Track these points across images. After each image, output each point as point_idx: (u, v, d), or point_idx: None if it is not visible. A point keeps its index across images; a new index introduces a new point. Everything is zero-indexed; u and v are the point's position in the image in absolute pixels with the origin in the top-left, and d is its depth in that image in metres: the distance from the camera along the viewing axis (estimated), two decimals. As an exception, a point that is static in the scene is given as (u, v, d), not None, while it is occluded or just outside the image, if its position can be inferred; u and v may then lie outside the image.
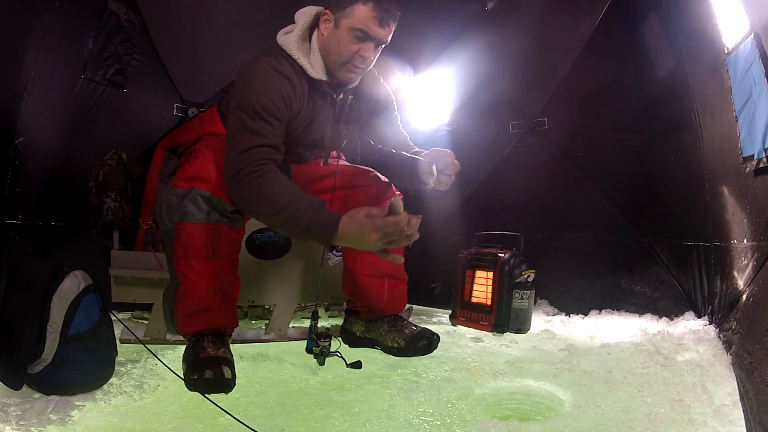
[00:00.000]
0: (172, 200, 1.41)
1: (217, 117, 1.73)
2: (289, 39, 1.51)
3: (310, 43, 1.52)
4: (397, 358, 1.81)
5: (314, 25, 1.54)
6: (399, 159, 1.71)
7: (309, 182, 1.79)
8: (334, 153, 1.93)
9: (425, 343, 1.79)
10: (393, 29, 1.50)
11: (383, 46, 1.53)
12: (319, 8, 1.54)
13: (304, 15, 1.54)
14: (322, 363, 1.58)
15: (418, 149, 1.74)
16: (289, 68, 1.48)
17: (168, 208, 1.42)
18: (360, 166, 1.86)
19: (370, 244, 1.26)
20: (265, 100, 1.41)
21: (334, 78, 1.54)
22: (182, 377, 1.36)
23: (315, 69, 1.51)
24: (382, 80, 1.74)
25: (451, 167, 1.52)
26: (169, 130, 2.68)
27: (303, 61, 1.50)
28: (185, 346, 1.45)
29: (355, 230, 1.26)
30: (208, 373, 1.31)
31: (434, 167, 1.52)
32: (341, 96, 1.61)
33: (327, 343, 1.57)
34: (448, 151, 1.54)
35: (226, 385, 1.32)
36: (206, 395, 1.30)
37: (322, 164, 1.79)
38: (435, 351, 1.83)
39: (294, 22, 1.55)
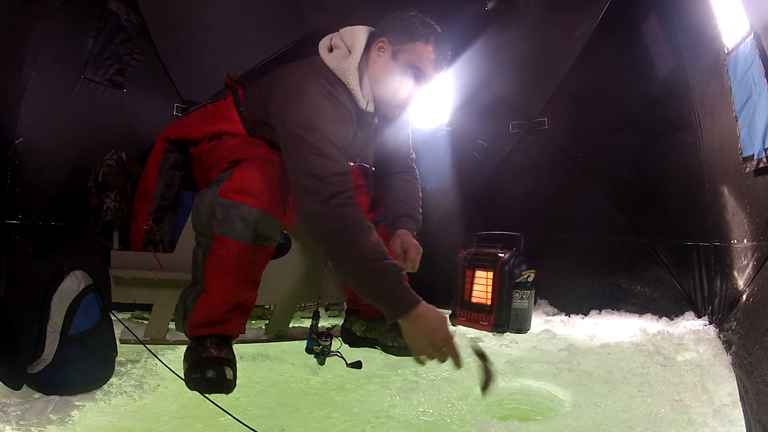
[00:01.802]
0: (218, 210, 1.33)
1: (235, 115, 1.63)
2: (345, 65, 1.43)
3: (360, 72, 1.46)
4: (397, 358, 1.81)
5: (365, 49, 1.48)
6: (391, 208, 1.75)
7: None
8: None
9: (426, 342, 1.79)
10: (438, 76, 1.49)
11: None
12: (370, 29, 1.49)
13: (359, 39, 1.46)
14: (322, 363, 1.58)
15: (415, 178, 1.80)
16: (345, 97, 1.43)
17: (210, 216, 1.34)
18: (365, 165, 1.86)
19: (429, 341, 1.21)
20: (334, 129, 1.34)
21: (380, 110, 1.51)
22: (181, 377, 1.36)
23: (367, 101, 1.47)
24: None
25: (414, 263, 1.61)
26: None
27: (357, 93, 1.45)
28: (187, 345, 1.45)
29: (433, 322, 1.22)
30: (210, 373, 1.30)
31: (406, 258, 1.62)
32: (377, 121, 1.59)
33: (327, 343, 1.56)
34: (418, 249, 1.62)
35: (227, 385, 1.31)
36: (206, 395, 1.30)
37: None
38: (435, 351, 1.83)
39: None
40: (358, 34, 1.47)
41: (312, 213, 1.27)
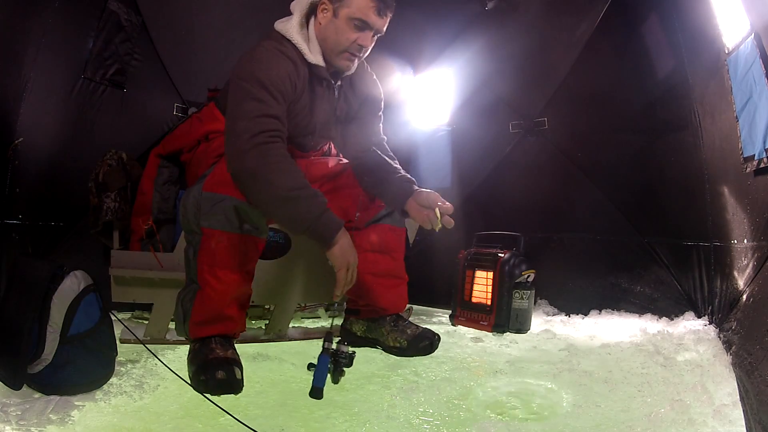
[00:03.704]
0: (203, 204, 1.36)
1: (218, 113, 1.70)
2: (288, 25, 1.53)
3: (307, 30, 1.55)
4: (397, 358, 1.81)
5: (310, 13, 1.57)
6: (387, 180, 1.66)
7: (313, 181, 1.77)
8: (334, 151, 1.92)
9: (427, 343, 1.79)
10: (389, 19, 1.53)
11: (379, 35, 1.56)
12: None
13: (301, 4, 1.57)
14: (336, 381, 1.35)
15: (392, 156, 1.75)
16: (291, 51, 1.50)
17: (196, 211, 1.37)
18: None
19: (351, 257, 1.38)
20: (271, 74, 1.41)
21: (331, 65, 1.57)
22: (181, 377, 1.36)
23: (314, 54, 1.53)
24: (376, 79, 1.75)
25: (449, 207, 1.57)
26: (167, 132, 2.68)
27: (302, 46, 1.52)
28: (190, 347, 1.44)
29: (348, 240, 1.38)
30: (220, 374, 1.30)
31: (437, 211, 1.56)
32: (338, 83, 1.63)
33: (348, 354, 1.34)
34: (436, 194, 1.58)
35: (237, 385, 1.31)
36: (208, 396, 1.29)
37: (321, 155, 1.80)
38: (435, 351, 1.83)
39: (290, 14, 1.57)
40: (300, 1, 1.57)
41: (238, 151, 1.32)
